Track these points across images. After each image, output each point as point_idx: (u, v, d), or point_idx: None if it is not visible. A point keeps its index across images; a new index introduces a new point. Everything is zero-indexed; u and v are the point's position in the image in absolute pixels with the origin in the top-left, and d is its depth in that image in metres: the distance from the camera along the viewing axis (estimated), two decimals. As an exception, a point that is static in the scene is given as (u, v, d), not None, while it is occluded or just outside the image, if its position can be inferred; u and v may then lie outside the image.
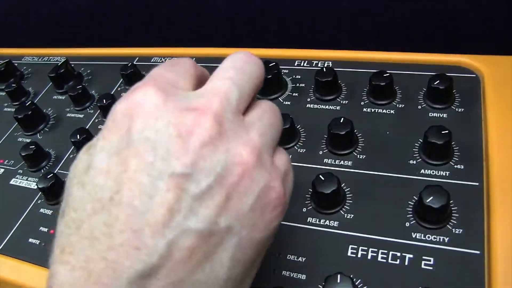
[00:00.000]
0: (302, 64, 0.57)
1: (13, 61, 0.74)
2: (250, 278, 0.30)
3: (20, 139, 0.62)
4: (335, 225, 0.41)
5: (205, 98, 0.29)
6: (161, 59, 0.65)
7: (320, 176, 0.41)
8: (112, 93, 0.62)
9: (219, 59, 0.53)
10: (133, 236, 0.25)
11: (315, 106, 0.51)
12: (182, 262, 0.25)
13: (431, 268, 0.37)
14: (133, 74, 0.62)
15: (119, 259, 0.24)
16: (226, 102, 0.29)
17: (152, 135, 0.26)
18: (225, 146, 0.27)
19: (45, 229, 0.50)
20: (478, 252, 0.37)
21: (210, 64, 0.59)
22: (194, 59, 0.61)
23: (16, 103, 0.68)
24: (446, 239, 0.38)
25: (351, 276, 0.35)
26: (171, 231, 0.25)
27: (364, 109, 0.49)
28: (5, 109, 0.69)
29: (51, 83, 0.68)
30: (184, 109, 0.27)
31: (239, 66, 0.32)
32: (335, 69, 0.51)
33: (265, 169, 0.29)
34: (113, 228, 0.25)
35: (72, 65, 0.68)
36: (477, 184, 0.41)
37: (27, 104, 0.62)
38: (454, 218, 0.39)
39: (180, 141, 0.26)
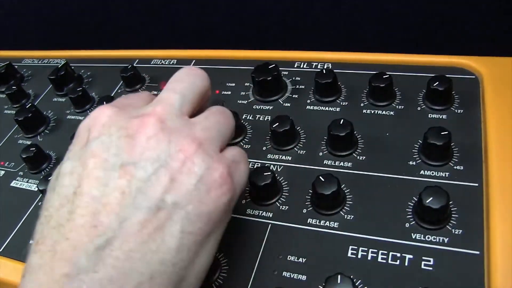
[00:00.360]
0: (301, 66, 0.57)
1: (13, 64, 0.74)
2: (207, 252, 0.33)
3: (20, 141, 0.62)
4: (335, 226, 0.41)
5: (151, 106, 0.35)
6: (161, 61, 0.65)
7: (320, 177, 0.41)
8: (112, 95, 0.62)
9: (219, 61, 0.53)
10: (91, 218, 0.29)
11: (315, 107, 0.52)
12: (134, 235, 0.29)
13: (431, 268, 0.37)
14: (133, 76, 0.62)
15: (79, 237, 0.28)
16: (169, 107, 0.35)
17: (106, 139, 0.32)
18: (167, 139, 0.32)
19: (46, 231, 0.50)
20: (477, 252, 0.37)
21: (210, 66, 0.60)
22: (194, 61, 0.62)
23: (17, 106, 0.68)
24: (446, 240, 0.38)
25: (351, 276, 0.35)
26: (123, 209, 0.29)
27: (364, 111, 0.50)
28: (6, 112, 0.69)
29: (51, 85, 0.68)
30: (134, 117, 0.34)
31: (180, 78, 0.39)
32: (334, 70, 0.51)
33: (208, 155, 0.33)
34: (75, 214, 0.29)
35: (72, 68, 0.68)
36: (476, 185, 0.41)
37: (27, 107, 0.62)
38: (453, 218, 0.39)
39: (129, 140, 0.32)
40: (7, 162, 0.60)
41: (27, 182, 0.57)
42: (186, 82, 0.38)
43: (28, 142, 0.61)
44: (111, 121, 0.33)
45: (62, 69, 0.66)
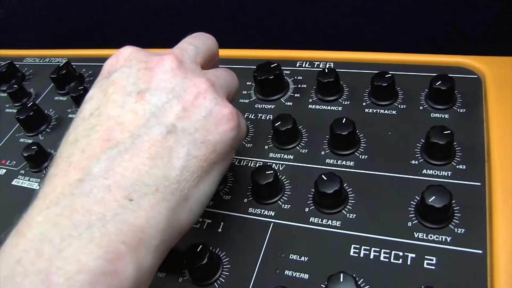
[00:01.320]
0: (303, 65, 0.57)
1: (15, 63, 0.74)
2: (210, 180, 0.36)
3: (21, 140, 0.62)
4: (337, 225, 0.41)
5: (169, 51, 0.38)
6: (162, 60, 0.65)
7: (323, 176, 0.41)
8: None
9: (221, 60, 0.53)
10: (105, 133, 0.32)
11: (317, 106, 0.52)
12: (143, 150, 0.32)
13: (433, 267, 0.37)
14: (135, 75, 0.62)
15: (93, 149, 0.31)
16: (185, 53, 0.39)
17: (126, 70, 0.36)
18: (183, 75, 0.36)
19: (47, 230, 0.50)
20: (480, 251, 0.37)
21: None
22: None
23: (18, 104, 0.68)
24: (449, 239, 0.38)
25: (354, 275, 0.35)
26: (136, 128, 0.32)
27: (366, 110, 0.49)
28: (7, 110, 0.69)
29: (52, 84, 0.68)
30: (153, 55, 0.37)
31: (194, 35, 0.43)
32: (336, 70, 0.51)
33: (218, 94, 0.37)
34: (90, 131, 0.33)
35: (74, 66, 0.68)
36: (479, 184, 0.41)
37: (29, 105, 0.62)
38: (456, 218, 0.39)
39: (147, 71, 0.36)
40: (9, 161, 0.60)
41: (28, 180, 0.57)
42: (199, 39, 0.42)
43: (30, 141, 0.61)
44: (132, 55, 0.37)
45: (63, 68, 0.66)
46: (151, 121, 0.33)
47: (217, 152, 0.35)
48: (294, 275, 0.39)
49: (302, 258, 0.40)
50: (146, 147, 0.32)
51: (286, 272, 0.39)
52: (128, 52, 0.38)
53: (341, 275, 0.35)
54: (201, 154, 0.34)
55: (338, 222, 0.41)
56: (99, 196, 0.29)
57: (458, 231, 0.38)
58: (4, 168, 0.59)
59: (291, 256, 0.40)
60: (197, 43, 0.41)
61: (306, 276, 0.39)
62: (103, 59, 0.67)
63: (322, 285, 0.38)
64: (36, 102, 0.64)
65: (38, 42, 0.84)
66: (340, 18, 0.64)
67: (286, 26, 0.69)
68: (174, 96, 0.35)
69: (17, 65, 0.74)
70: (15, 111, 0.66)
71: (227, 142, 0.36)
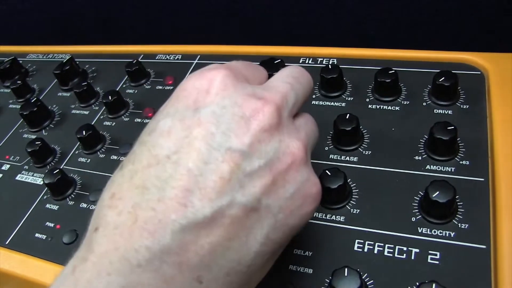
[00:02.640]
0: (307, 62, 0.57)
1: (18, 59, 0.74)
2: (270, 264, 0.33)
3: (25, 136, 0.63)
4: (341, 220, 0.41)
5: (269, 92, 0.32)
6: (165, 57, 0.66)
7: (327, 171, 0.41)
8: (117, 89, 0.62)
9: (224, 56, 0.53)
10: (183, 194, 0.27)
11: (321, 102, 0.52)
12: (222, 228, 0.27)
13: (437, 262, 0.37)
14: (138, 71, 0.62)
15: (166, 211, 0.27)
16: (285, 101, 0.33)
17: (217, 111, 0.30)
18: (279, 137, 0.31)
19: (52, 224, 0.50)
20: (484, 246, 0.37)
21: (215, 61, 0.60)
22: (199, 56, 0.62)
23: (21, 100, 0.69)
24: (452, 234, 0.38)
25: (358, 270, 0.35)
26: (219, 198, 0.27)
27: (369, 106, 0.50)
28: (10, 106, 0.69)
29: (56, 80, 0.68)
30: (251, 95, 0.31)
31: (296, 75, 0.36)
32: (340, 66, 0.51)
33: (309, 166, 0.33)
34: (165, 183, 0.27)
35: (77, 63, 0.68)
36: (482, 179, 0.41)
37: (32, 101, 0.62)
38: (460, 213, 0.39)
39: (242, 122, 0.30)
40: (12, 156, 0.60)
41: (32, 176, 0.57)
42: (301, 84, 0.36)
43: (33, 136, 0.61)
44: (226, 90, 0.31)
45: (67, 64, 0.66)
46: (235, 190, 0.28)
47: (291, 235, 0.32)
48: (298, 269, 0.39)
49: (307, 253, 0.40)
50: (226, 224, 0.28)
51: (291, 266, 0.40)
52: (222, 82, 0.31)
53: (346, 269, 0.35)
54: (277, 237, 0.31)
55: (342, 217, 0.42)
56: (169, 274, 0.26)
57: (462, 226, 0.38)
58: (8, 164, 0.60)
59: (295, 251, 0.40)
60: (298, 89, 0.35)
61: (311, 270, 0.39)
62: (106, 55, 0.69)
63: (326, 279, 0.38)
64: (40, 98, 0.64)
65: (40, 39, 0.84)
66: (344, 14, 0.64)
67: (290, 22, 0.69)
68: (266, 163, 0.29)
69: (21, 61, 0.75)
70: (18, 107, 0.66)
71: (303, 224, 0.33)
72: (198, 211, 0.27)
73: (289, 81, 0.35)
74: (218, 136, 0.29)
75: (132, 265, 0.26)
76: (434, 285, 0.33)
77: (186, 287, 0.27)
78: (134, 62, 0.62)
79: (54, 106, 0.65)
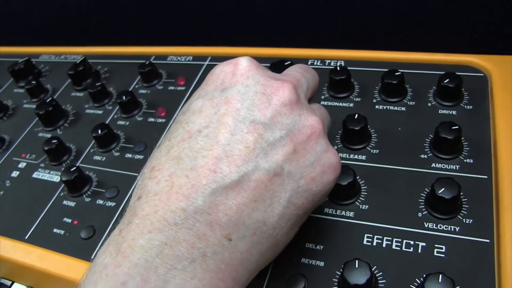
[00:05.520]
0: (315, 63, 0.59)
1: (31, 59, 0.76)
2: (298, 227, 0.36)
3: (40, 135, 0.64)
4: (351, 215, 0.43)
5: (286, 76, 0.37)
6: (177, 58, 0.67)
7: (337, 168, 0.43)
8: (130, 90, 0.63)
9: (234, 57, 0.55)
10: (212, 161, 0.31)
11: (329, 103, 0.53)
12: (248, 191, 0.31)
13: (443, 255, 0.39)
14: (150, 72, 0.64)
15: (198, 177, 0.30)
16: (300, 84, 0.37)
17: (242, 89, 0.34)
18: (299, 111, 0.35)
19: (69, 220, 0.52)
20: (488, 240, 0.39)
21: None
22: (209, 57, 0.64)
23: (35, 100, 0.70)
24: (457, 229, 0.40)
25: (368, 262, 0.37)
26: (245, 164, 0.31)
27: (376, 106, 0.51)
28: (25, 106, 0.71)
29: (69, 80, 0.70)
30: (271, 77, 0.36)
31: (304, 68, 0.41)
32: (348, 68, 0.53)
33: (327, 140, 0.36)
34: (197, 153, 0.31)
35: (89, 63, 0.70)
36: (486, 177, 0.43)
37: (48, 101, 0.63)
38: (464, 209, 0.41)
39: (264, 98, 0.34)
40: (28, 154, 0.62)
41: (49, 173, 0.58)
42: (309, 74, 0.40)
43: (48, 135, 0.62)
44: (250, 72, 0.35)
45: (80, 64, 0.68)
46: (260, 158, 0.32)
47: (315, 201, 0.35)
48: (310, 262, 0.41)
49: (318, 247, 0.42)
50: (252, 187, 0.31)
51: (303, 259, 0.41)
52: (246, 66, 0.36)
53: (356, 261, 0.37)
54: (300, 202, 0.34)
55: (351, 212, 0.43)
56: (201, 231, 0.29)
57: (466, 221, 0.40)
58: (24, 162, 0.61)
59: (307, 245, 0.42)
60: (308, 77, 0.40)
61: (322, 263, 0.41)
62: (119, 56, 0.71)
63: (337, 271, 0.40)
64: (54, 98, 0.66)
65: (53, 40, 0.86)
66: (351, 17, 0.65)
67: (299, 24, 0.71)
68: (287, 134, 0.33)
69: (34, 62, 0.76)
70: (32, 106, 0.68)
71: (326, 192, 0.36)
72: (226, 176, 0.30)
73: (299, 71, 0.39)
74: (243, 111, 0.33)
75: (169, 223, 0.29)
76: (441, 276, 0.35)
77: (217, 243, 0.29)
78: (147, 63, 0.64)
79: (68, 105, 0.67)
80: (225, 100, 0.34)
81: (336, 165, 0.36)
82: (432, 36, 0.54)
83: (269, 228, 0.32)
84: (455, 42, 0.59)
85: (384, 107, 0.51)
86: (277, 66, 0.54)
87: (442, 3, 0.60)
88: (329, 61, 0.58)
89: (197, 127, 0.33)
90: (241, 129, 0.32)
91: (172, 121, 0.58)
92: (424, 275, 0.36)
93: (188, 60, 0.66)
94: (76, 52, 0.77)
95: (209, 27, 0.74)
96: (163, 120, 0.59)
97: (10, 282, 0.55)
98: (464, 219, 0.40)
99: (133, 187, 0.52)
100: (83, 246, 0.49)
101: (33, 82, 0.70)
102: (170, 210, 0.29)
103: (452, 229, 0.40)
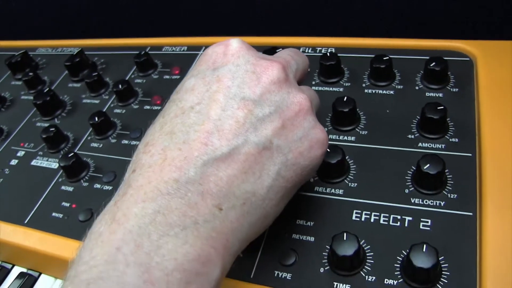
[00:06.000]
0: (306, 51, 0.60)
1: (28, 53, 0.77)
2: (286, 200, 0.37)
3: (38, 124, 0.66)
4: (340, 192, 0.45)
5: (275, 57, 0.39)
6: (172, 48, 0.69)
7: (327, 148, 0.44)
8: (126, 79, 0.65)
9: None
10: (204, 135, 0.32)
11: (320, 88, 0.55)
12: (238, 163, 0.32)
13: (429, 228, 0.40)
14: (146, 62, 0.65)
15: (190, 149, 0.32)
16: (289, 65, 0.39)
17: (233, 68, 0.35)
18: (287, 89, 0.36)
19: (67, 204, 0.53)
20: (471, 213, 0.40)
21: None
22: (203, 47, 0.65)
23: (33, 91, 0.71)
24: (442, 203, 0.42)
25: (355, 235, 0.39)
26: (235, 138, 0.33)
27: (366, 90, 0.53)
28: (22, 97, 0.72)
29: (66, 71, 0.71)
30: (261, 57, 0.37)
31: (294, 51, 0.43)
32: (338, 54, 0.55)
33: (315, 117, 0.38)
34: (189, 128, 0.33)
35: (86, 55, 0.71)
36: (470, 155, 0.44)
37: (45, 91, 0.65)
38: (449, 185, 0.43)
39: (254, 76, 0.35)
40: (27, 143, 0.63)
41: (47, 160, 0.60)
42: (299, 56, 0.42)
43: (46, 125, 0.63)
44: (240, 52, 0.37)
45: (77, 56, 0.69)
46: (249, 132, 0.33)
47: (303, 175, 0.36)
48: (301, 238, 0.42)
49: (308, 223, 0.43)
50: (241, 159, 0.32)
51: (294, 235, 0.43)
52: (236, 46, 0.37)
53: (344, 234, 0.38)
54: (288, 175, 0.35)
55: (341, 190, 0.45)
56: (193, 200, 0.30)
57: (451, 196, 0.42)
58: (23, 150, 0.63)
59: (298, 221, 0.44)
60: (298, 59, 0.41)
61: (312, 238, 0.42)
62: (115, 48, 0.72)
63: (327, 246, 0.41)
64: (52, 88, 0.67)
65: (49, 33, 0.87)
66: (341, 5, 0.67)
67: (298, 24, 0.73)
68: (276, 110, 0.35)
69: (31, 55, 0.78)
70: (30, 98, 0.69)
71: (314, 167, 0.37)
72: (217, 149, 0.32)
73: (290, 54, 0.41)
74: (233, 88, 0.34)
75: (162, 193, 0.30)
76: (425, 245, 0.36)
77: (208, 212, 0.31)
78: (142, 53, 0.65)
79: (65, 96, 0.68)
80: (216, 78, 0.35)
81: (323, 140, 0.37)
82: (431, 37, 0.56)
83: (259, 199, 0.33)
84: (443, 27, 0.61)
85: (373, 91, 0.53)
86: (269, 53, 0.56)
87: (442, 3, 0.62)
88: (320, 48, 0.60)
89: (189, 104, 0.34)
90: (232, 105, 0.33)
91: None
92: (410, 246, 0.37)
93: (183, 50, 0.68)
94: (72, 44, 0.78)
95: (209, 27, 0.76)
96: (159, 108, 0.60)
97: (11, 266, 0.56)
98: (449, 194, 0.42)
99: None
100: (81, 228, 0.49)
101: (31, 74, 0.71)
102: (163, 180, 0.30)
103: (438, 204, 0.42)
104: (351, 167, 0.46)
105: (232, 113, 0.33)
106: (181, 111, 0.34)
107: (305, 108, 0.36)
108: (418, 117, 0.48)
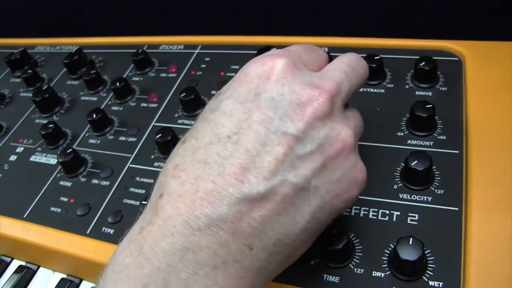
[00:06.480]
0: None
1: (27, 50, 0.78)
2: (312, 241, 0.35)
3: (37, 121, 0.67)
4: (331, 188, 0.46)
5: (325, 81, 0.35)
6: (169, 47, 0.70)
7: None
8: (124, 77, 0.66)
9: (223, 46, 0.57)
10: (240, 171, 0.30)
11: (313, 87, 0.56)
12: (274, 204, 0.30)
13: (416, 223, 0.42)
14: (143, 60, 0.66)
15: (225, 185, 0.30)
16: (339, 91, 0.35)
17: (276, 97, 0.32)
18: (332, 124, 0.33)
19: (66, 199, 0.54)
20: (457, 208, 0.42)
21: (215, 51, 0.65)
22: (200, 46, 0.66)
23: (32, 89, 0.73)
24: (429, 199, 0.43)
25: (345, 229, 0.40)
26: (273, 177, 0.30)
27: (357, 89, 0.54)
28: (21, 94, 0.73)
29: (65, 69, 0.73)
30: (308, 84, 0.34)
31: (353, 64, 0.38)
32: (331, 54, 0.56)
33: (357, 154, 0.35)
34: (225, 160, 0.31)
35: (84, 53, 0.72)
36: (457, 152, 0.46)
37: (44, 88, 0.66)
38: (436, 181, 0.44)
39: (298, 108, 0.32)
40: (26, 140, 0.65)
41: (46, 156, 0.61)
42: (357, 73, 0.38)
43: (45, 121, 0.65)
44: (286, 78, 0.33)
45: (75, 54, 0.70)
46: (288, 171, 0.31)
47: (335, 215, 0.35)
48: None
49: (300, 217, 0.45)
50: (277, 200, 0.30)
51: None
52: (282, 69, 0.34)
53: (334, 229, 0.40)
54: (322, 217, 0.33)
55: (331, 185, 0.46)
56: (224, 239, 0.29)
57: (438, 192, 0.43)
58: (22, 146, 0.64)
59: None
60: (353, 78, 0.37)
61: (303, 232, 0.43)
62: (112, 46, 0.73)
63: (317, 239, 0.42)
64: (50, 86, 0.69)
65: (47, 31, 0.88)
66: (333, 6, 0.68)
67: (284, 14, 0.74)
68: (317, 148, 0.32)
69: (30, 53, 0.79)
70: (29, 95, 0.70)
71: (347, 207, 0.36)
72: (253, 187, 0.30)
73: (345, 70, 0.37)
74: (275, 120, 0.32)
75: (193, 228, 0.29)
76: (411, 239, 0.38)
77: (238, 252, 0.30)
78: (139, 51, 0.66)
79: (64, 93, 0.69)
80: (257, 106, 0.32)
81: (362, 182, 0.35)
82: (422, 37, 0.57)
83: (290, 240, 0.32)
84: (433, 28, 0.62)
85: (364, 90, 0.54)
86: (263, 52, 0.57)
87: (433, 4, 0.63)
88: (313, 47, 0.61)
89: (226, 132, 0.32)
90: (272, 140, 0.31)
91: (163, 104, 0.61)
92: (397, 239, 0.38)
93: (180, 49, 0.69)
94: (70, 43, 0.79)
95: (200, 16, 0.77)
96: (155, 105, 0.61)
97: (10, 259, 0.58)
98: (436, 190, 0.43)
99: (126, 167, 0.55)
100: (79, 223, 0.51)
101: (30, 71, 0.72)
102: (194, 215, 0.29)
103: (425, 199, 0.43)
104: (342, 163, 0.47)
105: (271, 149, 0.31)
106: (216, 138, 0.32)
107: (348, 146, 0.34)
108: (408, 115, 0.49)
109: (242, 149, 0.31)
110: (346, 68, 0.37)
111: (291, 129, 0.32)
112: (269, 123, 0.31)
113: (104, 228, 0.50)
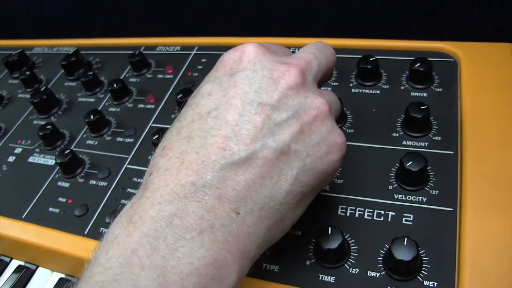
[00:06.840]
0: (294, 52, 0.62)
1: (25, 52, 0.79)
2: (304, 205, 0.37)
3: (35, 122, 0.67)
4: (326, 188, 0.46)
5: (294, 59, 0.38)
6: (165, 48, 0.70)
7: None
8: (121, 78, 0.66)
9: (220, 47, 0.57)
10: (221, 140, 0.32)
11: (309, 88, 0.57)
12: (256, 167, 0.32)
13: (411, 223, 0.42)
14: (140, 61, 0.67)
15: (208, 154, 0.32)
16: (309, 67, 0.38)
17: (250, 74, 0.35)
18: (305, 94, 0.36)
19: (64, 200, 0.54)
20: (451, 209, 0.42)
21: (211, 52, 0.65)
22: (196, 47, 0.66)
23: (30, 90, 0.73)
24: (424, 199, 0.43)
25: (340, 229, 0.40)
26: (252, 142, 0.33)
27: (353, 90, 0.55)
28: (19, 96, 0.73)
29: (62, 70, 0.73)
30: (278, 62, 0.37)
31: (320, 47, 0.41)
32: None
33: (333, 121, 0.38)
34: (206, 132, 0.33)
35: (82, 54, 0.73)
36: (452, 152, 0.46)
37: (42, 89, 0.66)
38: (431, 181, 0.44)
39: (271, 82, 0.35)
40: (24, 141, 0.65)
41: (44, 157, 0.61)
42: (323, 54, 0.41)
43: (43, 123, 0.65)
44: (257, 57, 0.36)
45: (73, 55, 0.71)
46: (267, 137, 0.33)
47: (321, 179, 0.36)
48: (288, 231, 0.44)
49: (296, 218, 0.45)
50: (259, 164, 0.32)
51: (282, 229, 0.44)
52: (253, 51, 0.37)
53: (329, 228, 0.40)
54: (306, 180, 0.35)
55: (327, 186, 0.46)
56: (210, 204, 0.30)
57: (433, 193, 0.43)
58: (20, 147, 0.64)
59: (286, 216, 0.45)
60: (321, 58, 0.40)
61: (299, 232, 0.44)
62: (110, 47, 0.74)
63: (313, 240, 0.43)
64: (48, 87, 0.69)
65: (44, 33, 0.88)
66: (330, 8, 0.69)
67: (281, 15, 0.74)
68: (293, 115, 0.34)
69: (27, 54, 0.79)
70: (27, 96, 0.71)
71: (332, 171, 0.37)
72: (235, 153, 0.32)
73: (313, 52, 0.40)
74: (251, 93, 0.34)
75: (179, 196, 0.30)
76: (406, 239, 0.38)
77: (225, 216, 0.31)
78: (136, 53, 0.67)
79: (62, 94, 0.70)
80: (233, 84, 0.35)
81: (341, 145, 0.37)
82: (417, 38, 0.58)
83: (276, 203, 0.33)
84: (428, 29, 0.62)
85: (360, 91, 0.54)
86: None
87: (428, 6, 0.63)
88: (310, 49, 0.61)
89: (206, 109, 0.34)
90: (249, 111, 0.33)
91: (160, 105, 0.61)
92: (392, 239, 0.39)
93: (176, 50, 0.69)
94: (68, 44, 0.79)
95: (197, 18, 0.77)
96: (152, 106, 0.62)
97: (9, 259, 0.58)
98: (431, 190, 0.44)
99: (124, 167, 0.55)
100: (77, 223, 0.51)
101: (27, 72, 0.72)
102: (180, 184, 0.31)
103: (420, 200, 0.43)
104: (337, 164, 0.48)
105: (249, 118, 0.33)
106: (198, 116, 0.34)
107: (323, 113, 0.36)
108: (403, 116, 0.50)
109: (222, 121, 0.33)
110: (314, 51, 0.40)
111: (266, 100, 0.34)
112: (245, 96, 0.34)
113: (101, 228, 0.50)
